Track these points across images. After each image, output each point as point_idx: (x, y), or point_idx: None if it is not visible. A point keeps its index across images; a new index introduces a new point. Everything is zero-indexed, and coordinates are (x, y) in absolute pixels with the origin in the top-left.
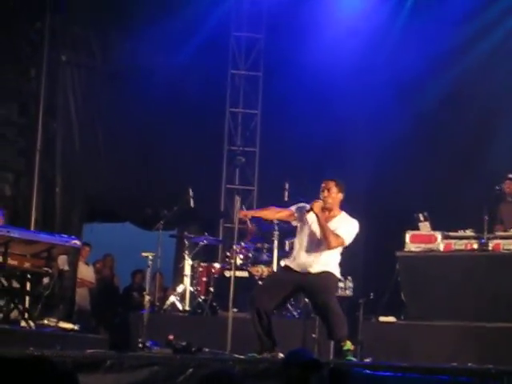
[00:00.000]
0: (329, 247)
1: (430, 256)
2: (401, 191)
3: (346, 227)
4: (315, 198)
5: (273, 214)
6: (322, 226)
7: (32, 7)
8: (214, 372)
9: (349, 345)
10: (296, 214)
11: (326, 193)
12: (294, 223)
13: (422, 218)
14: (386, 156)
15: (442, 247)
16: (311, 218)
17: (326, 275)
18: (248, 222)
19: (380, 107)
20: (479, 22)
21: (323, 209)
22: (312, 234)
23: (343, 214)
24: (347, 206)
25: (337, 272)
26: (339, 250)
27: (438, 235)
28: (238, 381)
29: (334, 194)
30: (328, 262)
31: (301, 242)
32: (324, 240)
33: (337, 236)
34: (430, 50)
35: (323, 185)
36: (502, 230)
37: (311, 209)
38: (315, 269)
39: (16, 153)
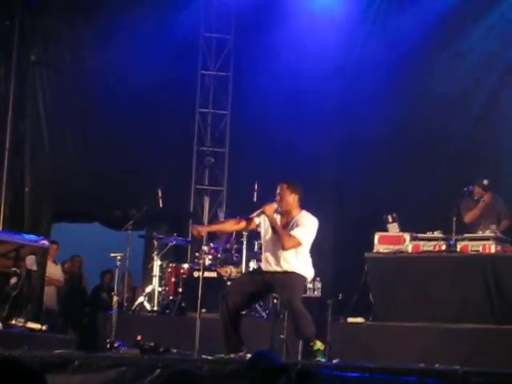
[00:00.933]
0: (283, 248)
1: (399, 257)
2: (370, 193)
3: (302, 227)
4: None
5: (230, 226)
6: (275, 229)
7: (2, 5)
8: (175, 371)
9: (319, 345)
10: (258, 220)
11: (278, 197)
12: (259, 229)
13: (390, 220)
14: (355, 157)
15: (410, 248)
16: (267, 220)
17: (291, 275)
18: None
19: (351, 107)
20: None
21: (283, 213)
22: (272, 236)
23: (302, 213)
24: (316, 207)
25: (304, 271)
26: (305, 249)
27: (407, 236)
28: (201, 380)
29: (287, 197)
30: (292, 260)
31: (265, 244)
32: (279, 241)
33: (291, 237)
34: (405, 44)
35: (277, 189)
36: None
37: (263, 211)
38: (280, 268)
39: None
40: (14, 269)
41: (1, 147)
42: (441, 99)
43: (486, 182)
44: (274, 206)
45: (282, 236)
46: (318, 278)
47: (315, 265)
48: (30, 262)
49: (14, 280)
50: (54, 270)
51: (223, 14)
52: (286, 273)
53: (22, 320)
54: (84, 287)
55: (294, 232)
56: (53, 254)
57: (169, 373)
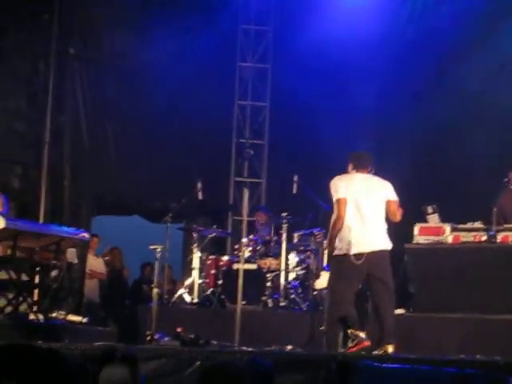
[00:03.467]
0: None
1: (439, 248)
2: (409, 183)
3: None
4: (323, 191)
5: None
6: None
7: None
8: (216, 364)
9: (389, 349)
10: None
11: None
12: None
13: (430, 211)
14: (394, 148)
15: (450, 239)
16: (354, 190)
17: (387, 257)
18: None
19: (391, 99)
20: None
21: None
22: (364, 208)
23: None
24: None
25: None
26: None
27: (447, 227)
28: (241, 372)
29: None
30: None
31: (355, 219)
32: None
33: None
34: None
35: None
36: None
37: None
38: (376, 246)
39: (24, 145)
40: (54, 262)
41: (40, 141)
42: (479, 91)
43: None
44: None
45: None
46: None
47: None
48: (71, 255)
49: (54, 273)
50: (96, 263)
51: (262, 6)
52: (382, 252)
53: (63, 313)
54: (125, 280)
55: None
56: (94, 247)
57: (209, 365)
